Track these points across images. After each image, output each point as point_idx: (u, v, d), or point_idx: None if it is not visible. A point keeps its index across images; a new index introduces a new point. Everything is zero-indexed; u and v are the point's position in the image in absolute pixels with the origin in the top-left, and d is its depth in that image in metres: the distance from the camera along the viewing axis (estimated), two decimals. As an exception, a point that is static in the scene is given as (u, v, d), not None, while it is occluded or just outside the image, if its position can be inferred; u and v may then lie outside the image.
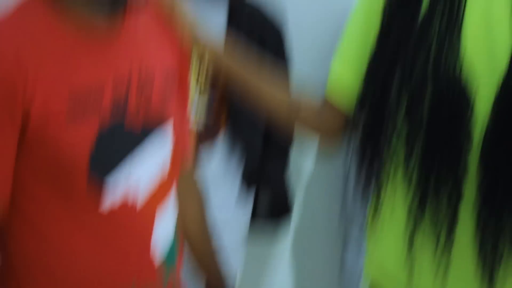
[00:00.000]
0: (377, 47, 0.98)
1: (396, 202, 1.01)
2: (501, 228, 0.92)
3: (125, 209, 0.89)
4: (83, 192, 0.85)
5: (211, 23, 1.31)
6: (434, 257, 0.97)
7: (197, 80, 1.44)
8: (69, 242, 0.89)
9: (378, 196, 1.02)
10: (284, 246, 1.90)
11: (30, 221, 0.89)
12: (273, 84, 1.07)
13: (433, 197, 0.94)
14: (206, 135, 1.47)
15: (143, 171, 0.92)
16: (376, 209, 1.03)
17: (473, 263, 0.95)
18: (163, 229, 0.97)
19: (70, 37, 0.86)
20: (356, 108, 0.99)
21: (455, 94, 0.90)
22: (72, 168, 0.83)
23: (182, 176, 1.11)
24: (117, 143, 0.88)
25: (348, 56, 1.04)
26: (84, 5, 0.87)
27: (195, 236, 1.17)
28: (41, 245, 0.90)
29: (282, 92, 1.08)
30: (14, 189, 0.84)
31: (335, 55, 1.05)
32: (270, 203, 1.62)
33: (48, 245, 0.90)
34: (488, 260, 0.94)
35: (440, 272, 0.98)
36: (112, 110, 0.86)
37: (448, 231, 0.95)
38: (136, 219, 0.92)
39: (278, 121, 1.10)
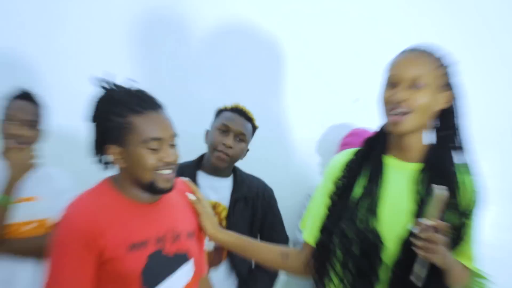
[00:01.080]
0: (328, 215, 1.48)
1: None
2: None
3: None
4: None
5: (221, 187, 2.11)
6: None
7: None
8: None
9: None
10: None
11: None
12: (264, 248, 1.63)
13: None
14: (215, 258, 2.06)
15: (177, 279, 1.39)
16: None
17: None
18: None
19: (127, 206, 1.35)
20: (317, 248, 1.50)
21: (373, 243, 1.38)
22: (128, 282, 1.29)
23: (201, 280, 1.58)
24: (158, 266, 1.33)
25: (312, 220, 1.55)
26: (136, 188, 1.37)
27: None
28: None
29: (272, 252, 1.60)
30: None
31: (303, 219, 1.68)
32: None
33: None
34: None
35: None
36: (156, 246, 1.35)
37: None
38: None
39: (270, 267, 1.80)
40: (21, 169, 1.94)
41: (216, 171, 2.10)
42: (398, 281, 1.38)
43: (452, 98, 1.43)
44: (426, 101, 1.37)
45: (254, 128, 2.15)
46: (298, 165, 2.60)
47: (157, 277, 1.38)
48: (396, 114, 1.39)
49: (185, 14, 2.48)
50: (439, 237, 1.25)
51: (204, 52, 2.52)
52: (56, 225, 1.40)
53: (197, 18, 2.48)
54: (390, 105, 1.41)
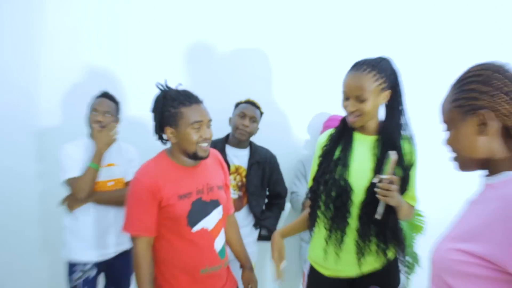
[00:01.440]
0: (317, 171, 1.87)
1: (321, 225, 1.86)
2: (364, 235, 1.76)
3: (203, 231, 1.78)
4: (184, 227, 1.74)
5: (242, 155, 2.63)
6: (335, 248, 1.80)
7: (236, 184, 2.54)
8: (176, 244, 1.75)
9: (314, 224, 1.89)
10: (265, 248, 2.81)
11: (160, 236, 1.76)
12: (299, 221, 2.01)
13: (335, 224, 1.79)
14: (239, 203, 2.58)
15: (212, 217, 1.81)
16: (314, 229, 1.91)
17: (353, 249, 1.78)
18: (219, 240, 1.85)
19: (177, 169, 1.78)
20: (310, 192, 1.90)
21: (344, 189, 1.76)
22: (179, 220, 1.73)
23: (228, 217, 2.03)
24: (198, 209, 1.76)
25: (310, 174, 1.94)
26: (184, 157, 1.78)
27: (234, 242, 2.07)
28: (164, 246, 1.77)
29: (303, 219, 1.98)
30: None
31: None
32: (265, 232, 2.70)
33: (167, 246, 1.76)
34: (359, 247, 1.77)
35: (336, 257, 1.81)
36: (197, 196, 1.78)
37: (341, 237, 1.78)
38: (208, 235, 1.79)
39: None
40: (105, 145, 2.24)
41: (238, 144, 2.62)
42: (364, 216, 1.74)
43: (390, 93, 1.72)
44: (370, 108, 1.69)
45: (261, 113, 2.64)
46: (293, 140, 3.02)
47: (198, 217, 1.74)
48: (351, 118, 1.74)
49: (209, 39, 2.92)
50: (393, 187, 1.60)
51: (225, 66, 2.95)
52: (130, 183, 1.76)
53: (218, 41, 2.92)
54: (347, 111, 1.75)
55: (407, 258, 2.62)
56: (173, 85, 1.82)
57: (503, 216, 0.97)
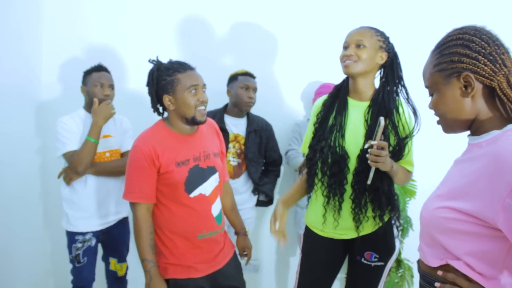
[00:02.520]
0: (312, 137, 1.89)
1: (318, 192, 1.89)
2: (359, 203, 1.79)
3: (201, 196, 1.80)
4: (182, 193, 1.76)
5: (240, 124, 2.67)
6: (334, 214, 1.83)
7: (235, 151, 2.57)
8: (174, 210, 1.77)
9: (311, 190, 1.92)
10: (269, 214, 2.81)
11: (159, 203, 1.79)
12: (298, 186, 2.01)
13: (332, 191, 1.81)
14: (238, 170, 2.62)
15: (209, 183, 1.83)
16: (311, 195, 1.94)
17: (351, 216, 1.82)
18: (216, 206, 1.87)
19: (174, 137, 1.80)
20: (307, 160, 1.91)
21: (341, 155, 1.78)
22: (177, 186, 1.76)
23: (224, 184, 2.04)
24: (195, 175, 1.79)
25: (304, 141, 1.98)
26: (182, 123, 1.80)
27: (229, 209, 2.09)
28: (163, 212, 1.79)
29: (302, 184, 1.99)
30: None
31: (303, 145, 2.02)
32: (263, 197, 2.78)
33: (165, 212, 1.79)
34: (356, 214, 1.81)
35: (335, 224, 1.84)
36: (194, 163, 1.79)
37: (339, 204, 1.82)
38: (205, 200, 1.81)
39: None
40: (104, 118, 2.24)
41: (236, 114, 2.66)
42: (357, 183, 1.77)
43: (387, 57, 1.78)
44: (367, 56, 1.74)
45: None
46: (288, 108, 3.05)
47: (195, 183, 1.77)
48: (347, 62, 1.76)
49: (206, 16, 2.93)
50: (383, 152, 1.61)
51: (218, 37, 2.97)
52: (130, 151, 1.79)
53: (212, 13, 2.93)
54: (344, 58, 1.78)
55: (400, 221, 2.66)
56: (165, 60, 1.84)
57: (489, 173, 0.99)
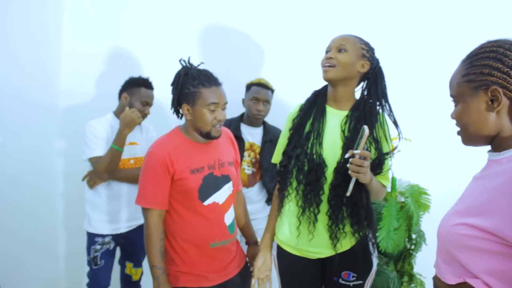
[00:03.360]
0: (287, 144, 1.80)
1: (292, 203, 1.78)
2: (336, 219, 1.68)
3: (214, 205, 1.77)
4: (195, 201, 1.74)
5: (256, 133, 2.64)
6: (308, 227, 1.71)
7: (250, 160, 2.55)
8: (187, 218, 1.75)
9: (283, 202, 1.81)
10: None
11: (172, 210, 1.77)
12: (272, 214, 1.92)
13: (308, 201, 1.70)
14: (252, 179, 2.59)
15: (222, 192, 1.81)
16: (283, 207, 1.82)
17: (327, 233, 1.71)
18: (229, 215, 1.84)
19: (190, 145, 1.79)
20: (280, 168, 1.82)
21: (318, 163, 1.68)
22: (190, 194, 1.73)
23: (237, 193, 2.03)
24: (209, 183, 1.76)
25: (277, 148, 1.91)
26: (197, 134, 1.78)
27: (241, 218, 2.07)
28: (175, 219, 1.77)
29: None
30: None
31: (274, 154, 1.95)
32: None
33: (178, 220, 1.76)
34: (333, 232, 1.69)
35: (310, 237, 1.72)
36: (208, 171, 1.77)
37: (315, 216, 1.70)
38: (218, 209, 1.79)
39: None
40: (128, 127, 2.25)
41: (252, 124, 2.64)
42: (334, 198, 1.67)
43: (369, 67, 1.70)
44: (346, 60, 1.66)
45: (273, 91, 2.63)
46: None
47: (209, 191, 1.75)
48: (326, 66, 1.69)
49: (226, 25, 2.95)
50: (366, 163, 1.51)
51: (237, 46, 2.97)
52: (145, 156, 1.76)
53: (231, 22, 2.94)
54: (324, 62, 1.71)
55: (413, 235, 2.62)
56: (195, 64, 1.83)
57: (510, 190, 0.95)
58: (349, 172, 1.54)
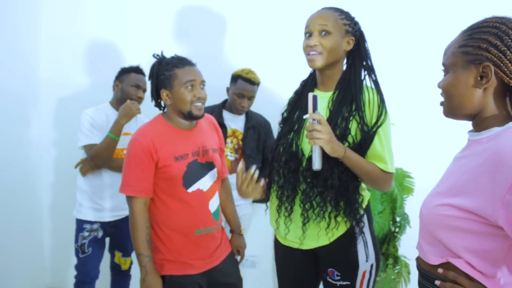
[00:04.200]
0: (276, 137, 1.76)
1: (273, 194, 1.73)
2: (309, 205, 1.57)
3: (199, 191, 1.76)
4: (180, 188, 1.73)
5: (238, 120, 2.61)
6: (285, 220, 1.67)
7: (233, 147, 2.51)
8: (172, 206, 1.74)
9: (268, 193, 1.77)
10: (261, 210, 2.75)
11: (156, 198, 1.76)
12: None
13: (285, 193, 1.64)
14: (235, 165, 2.57)
15: (206, 179, 1.80)
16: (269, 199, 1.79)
17: (300, 218, 1.61)
18: (214, 202, 1.84)
19: (173, 131, 1.78)
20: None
21: (293, 153, 1.61)
22: (175, 181, 1.73)
23: (222, 180, 2.02)
24: (194, 170, 1.76)
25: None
26: (180, 118, 1.77)
27: (226, 206, 2.07)
28: (159, 208, 1.76)
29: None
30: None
31: None
32: None
33: (162, 208, 1.76)
34: (305, 219, 1.59)
35: (287, 224, 1.67)
36: (193, 157, 1.76)
37: (290, 206, 1.63)
38: (203, 196, 1.78)
39: None
40: (127, 117, 2.24)
41: (235, 112, 2.61)
42: (308, 184, 1.57)
43: (353, 41, 1.59)
44: (332, 44, 1.54)
45: (259, 84, 2.58)
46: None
47: (193, 178, 1.75)
48: (311, 54, 1.57)
49: (207, 11, 2.89)
50: (316, 125, 1.40)
51: (221, 32, 2.91)
52: (128, 144, 1.75)
53: (217, 14, 2.89)
54: (307, 49, 1.58)
55: (398, 218, 2.65)
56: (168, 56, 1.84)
57: (489, 170, 0.95)
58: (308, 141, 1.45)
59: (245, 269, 2.98)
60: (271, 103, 2.90)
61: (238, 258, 2.07)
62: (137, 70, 2.40)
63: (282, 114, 1.78)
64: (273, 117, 2.79)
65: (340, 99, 1.57)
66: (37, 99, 2.85)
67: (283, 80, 2.88)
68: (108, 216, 2.38)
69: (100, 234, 2.38)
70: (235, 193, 2.15)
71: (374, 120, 1.54)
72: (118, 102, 2.37)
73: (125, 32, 2.86)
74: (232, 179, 2.50)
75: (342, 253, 1.60)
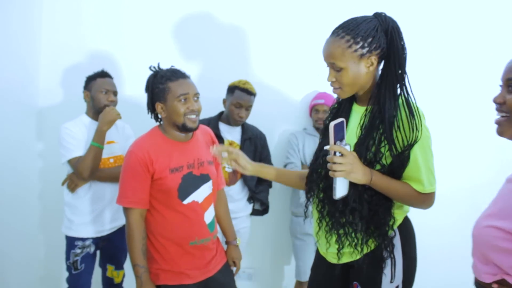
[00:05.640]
0: (317, 149, 1.66)
1: (314, 206, 1.64)
2: (342, 230, 1.50)
3: (194, 203, 1.77)
4: (175, 199, 1.74)
5: (234, 132, 2.62)
6: (326, 232, 1.57)
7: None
8: (167, 216, 1.76)
9: (308, 197, 1.67)
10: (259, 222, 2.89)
11: (152, 209, 1.77)
12: (290, 173, 1.85)
13: (326, 209, 1.55)
14: (233, 177, 2.58)
15: (202, 190, 1.80)
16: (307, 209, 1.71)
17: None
18: (209, 213, 1.84)
19: (169, 144, 1.79)
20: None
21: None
22: (170, 193, 1.74)
23: (218, 192, 2.02)
24: (189, 183, 1.77)
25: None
26: (175, 131, 1.79)
27: (221, 217, 2.06)
28: (155, 218, 1.78)
29: (294, 177, 1.78)
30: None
31: None
32: (258, 206, 2.75)
33: (158, 218, 1.77)
34: (339, 237, 1.51)
35: (328, 238, 1.57)
36: (188, 170, 1.77)
37: (332, 222, 1.53)
38: (198, 208, 1.79)
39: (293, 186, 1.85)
40: (108, 123, 2.21)
41: (231, 124, 2.62)
42: (326, 196, 1.53)
43: (378, 53, 1.42)
44: (347, 78, 1.44)
45: (255, 95, 2.60)
46: (284, 117, 2.98)
47: (188, 190, 1.76)
48: (334, 90, 1.52)
49: (205, 25, 2.90)
50: (336, 158, 1.34)
51: (218, 44, 2.92)
52: (125, 156, 1.77)
53: (215, 27, 2.90)
54: (331, 84, 1.52)
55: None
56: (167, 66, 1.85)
57: None
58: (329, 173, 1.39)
59: (241, 281, 2.97)
60: (268, 115, 2.94)
61: (234, 269, 2.06)
62: (102, 74, 2.36)
63: (324, 121, 1.70)
64: (271, 128, 2.87)
65: (372, 117, 1.45)
66: (36, 107, 2.85)
67: (279, 92, 2.98)
68: (99, 231, 2.33)
69: (93, 249, 2.33)
70: (231, 205, 2.18)
71: (405, 141, 1.40)
72: (93, 111, 2.33)
73: (124, 43, 2.87)
74: (229, 191, 2.51)
75: (368, 269, 1.53)
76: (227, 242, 2.08)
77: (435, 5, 2.94)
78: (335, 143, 1.35)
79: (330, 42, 1.46)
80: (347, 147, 1.38)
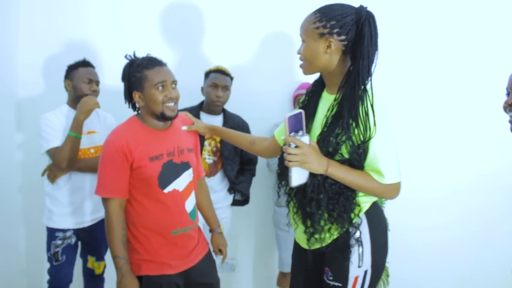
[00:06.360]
0: None
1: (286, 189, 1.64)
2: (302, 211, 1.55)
3: (175, 192, 1.76)
4: (155, 188, 1.72)
5: (216, 122, 2.49)
6: (294, 213, 1.62)
7: (211, 149, 2.53)
8: (148, 206, 1.74)
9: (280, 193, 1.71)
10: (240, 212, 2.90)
11: (132, 199, 1.75)
12: (239, 135, 1.96)
13: (294, 190, 1.59)
14: (214, 168, 2.58)
15: (182, 179, 1.79)
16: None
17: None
18: (190, 202, 1.83)
19: (148, 132, 1.77)
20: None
21: None
22: (150, 181, 1.72)
23: (199, 180, 2.02)
24: (169, 171, 1.76)
25: (278, 130, 1.81)
26: (153, 119, 1.77)
27: (204, 206, 2.06)
28: (136, 208, 1.75)
29: (244, 139, 1.93)
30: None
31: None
32: (238, 197, 2.76)
33: (139, 208, 1.75)
34: (307, 223, 1.55)
35: (295, 219, 1.62)
36: (168, 158, 1.76)
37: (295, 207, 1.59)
38: (179, 196, 1.78)
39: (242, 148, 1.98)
40: (85, 112, 2.16)
41: (212, 112, 2.60)
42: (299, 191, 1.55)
43: (338, 39, 1.43)
44: (306, 52, 1.48)
45: (232, 78, 2.60)
46: (267, 108, 2.95)
47: (169, 179, 1.75)
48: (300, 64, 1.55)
49: (187, 13, 2.88)
50: (288, 149, 1.38)
51: (198, 33, 2.90)
52: (103, 145, 1.74)
53: (196, 15, 2.87)
54: None
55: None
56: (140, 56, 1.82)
57: None
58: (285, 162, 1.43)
59: (224, 272, 2.96)
60: (252, 105, 2.93)
61: (221, 257, 2.05)
62: (85, 63, 2.32)
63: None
64: (253, 118, 2.83)
65: (338, 107, 1.46)
66: (15, 98, 2.81)
67: (262, 82, 2.97)
68: (83, 222, 2.31)
69: (74, 240, 2.31)
70: (212, 196, 2.17)
71: (361, 137, 1.41)
72: (74, 101, 2.28)
73: (104, 33, 2.84)
74: (209, 182, 2.49)
75: (336, 255, 1.55)
76: (211, 230, 2.07)
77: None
78: (290, 134, 1.39)
79: (303, 20, 1.53)
80: (304, 138, 1.41)
